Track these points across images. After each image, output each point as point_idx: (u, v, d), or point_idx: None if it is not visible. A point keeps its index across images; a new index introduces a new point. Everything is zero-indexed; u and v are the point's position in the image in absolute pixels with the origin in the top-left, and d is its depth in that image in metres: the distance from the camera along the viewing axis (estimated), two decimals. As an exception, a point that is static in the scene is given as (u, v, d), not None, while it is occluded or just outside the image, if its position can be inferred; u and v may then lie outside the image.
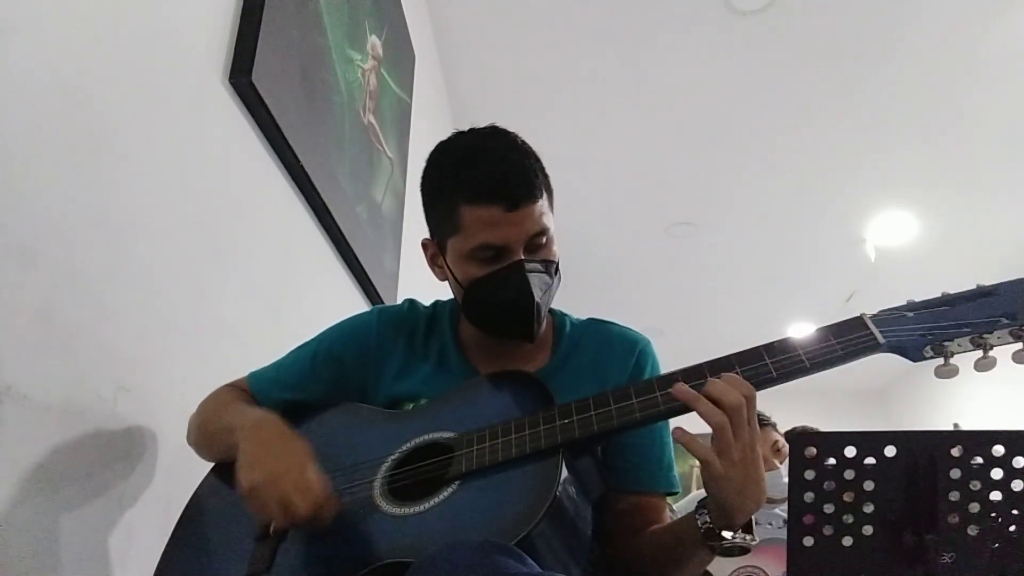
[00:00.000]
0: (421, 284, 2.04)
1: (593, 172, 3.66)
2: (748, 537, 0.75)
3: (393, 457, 0.83)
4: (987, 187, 3.76)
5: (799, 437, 0.95)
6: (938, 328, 0.73)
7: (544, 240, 0.91)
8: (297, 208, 1.52)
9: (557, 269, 0.93)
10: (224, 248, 1.22)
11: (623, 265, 4.62)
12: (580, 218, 3.94)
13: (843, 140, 3.44)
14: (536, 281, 0.88)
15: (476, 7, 2.75)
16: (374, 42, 1.98)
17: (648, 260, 4.57)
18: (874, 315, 0.76)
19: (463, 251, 0.90)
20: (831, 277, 4.58)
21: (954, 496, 0.90)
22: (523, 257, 0.88)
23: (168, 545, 0.87)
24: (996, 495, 0.89)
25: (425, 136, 2.45)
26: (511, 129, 0.95)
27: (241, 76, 1.22)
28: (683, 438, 0.74)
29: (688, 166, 3.66)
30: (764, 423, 2.22)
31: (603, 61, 2.98)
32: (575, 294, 3.93)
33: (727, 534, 0.75)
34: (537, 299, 0.88)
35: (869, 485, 0.91)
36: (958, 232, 4.11)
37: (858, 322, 0.76)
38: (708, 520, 0.76)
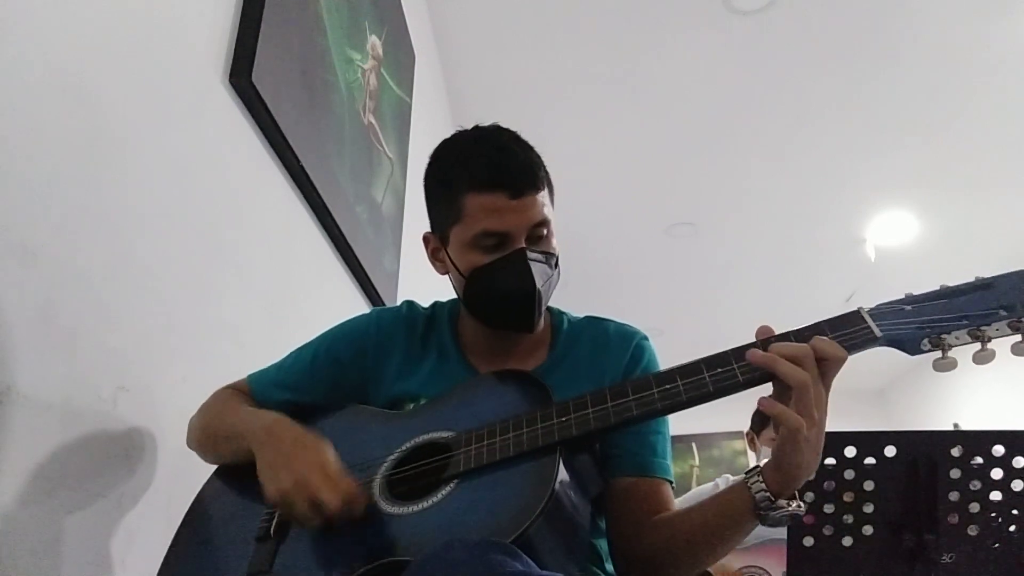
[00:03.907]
0: (421, 284, 2.05)
1: (593, 172, 3.66)
2: (800, 504, 0.75)
3: (392, 457, 0.84)
4: (987, 187, 3.76)
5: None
6: (936, 321, 0.73)
7: (545, 232, 0.92)
8: (297, 208, 1.52)
9: (557, 263, 0.95)
10: (224, 248, 1.22)
11: (623, 265, 4.62)
12: (580, 218, 3.93)
13: (843, 140, 3.44)
14: (538, 270, 0.89)
15: (476, 7, 2.75)
16: (374, 42, 1.98)
17: (648, 260, 4.57)
18: (871, 309, 0.75)
19: (466, 239, 0.91)
20: (831, 277, 4.58)
21: (954, 496, 0.90)
22: (525, 246, 0.89)
23: (171, 546, 0.87)
24: (996, 495, 0.90)
25: (425, 136, 2.45)
26: (511, 129, 0.96)
27: (241, 76, 1.22)
28: (773, 408, 0.71)
29: (688, 166, 3.66)
30: None
31: (603, 61, 2.98)
32: (575, 294, 3.92)
33: (782, 502, 0.73)
34: (538, 286, 0.89)
35: (869, 485, 0.92)
36: (958, 232, 4.11)
37: (855, 316, 0.75)
38: (764, 488, 0.74)
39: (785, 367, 0.70)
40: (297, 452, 0.80)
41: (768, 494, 0.74)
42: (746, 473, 0.77)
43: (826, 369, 0.71)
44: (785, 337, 0.74)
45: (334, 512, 0.74)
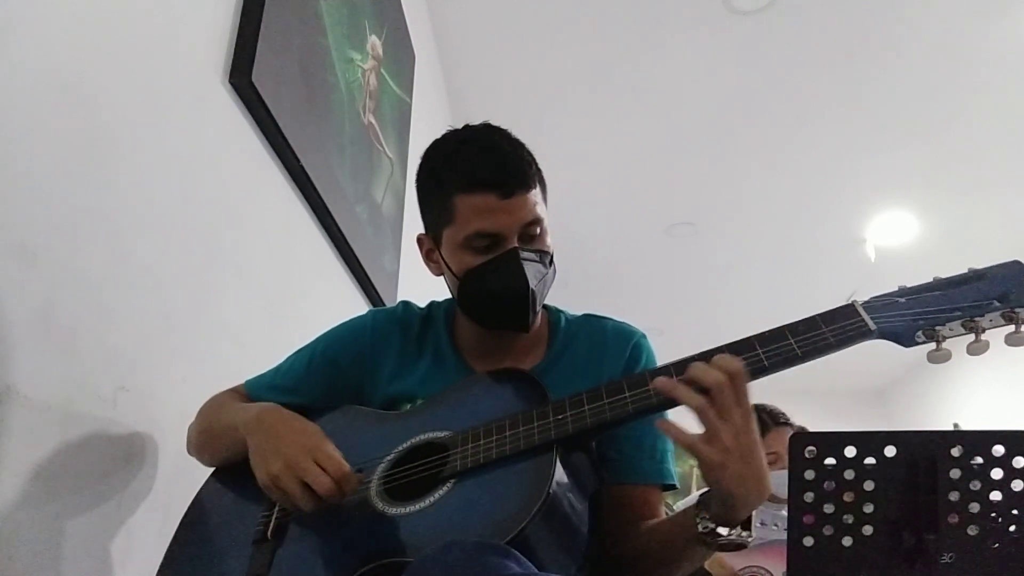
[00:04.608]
0: (421, 284, 2.04)
1: (593, 172, 3.66)
2: (745, 533, 0.74)
3: (389, 458, 0.84)
4: (987, 187, 3.76)
5: (799, 437, 0.95)
6: (930, 313, 0.73)
7: (538, 230, 0.91)
8: (297, 208, 1.52)
9: (552, 261, 0.94)
10: (224, 248, 1.22)
11: (623, 265, 4.61)
12: (580, 218, 3.93)
13: (843, 140, 3.44)
14: (531, 269, 0.89)
15: (476, 7, 2.75)
16: (374, 42, 1.98)
17: (648, 260, 4.56)
18: (866, 302, 0.76)
19: (458, 240, 0.90)
20: (831, 277, 4.58)
21: (954, 496, 0.90)
22: (517, 245, 0.89)
23: (169, 549, 0.87)
24: (996, 495, 0.89)
25: (425, 136, 2.44)
26: (511, 129, 0.96)
27: (241, 76, 1.22)
28: (667, 428, 0.72)
29: (688, 166, 3.66)
30: (783, 423, 2.18)
31: (603, 61, 2.98)
32: (575, 294, 3.93)
33: (723, 531, 0.73)
34: (532, 286, 0.89)
35: (869, 485, 0.91)
36: (958, 232, 4.11)
37: (849, 309, 0.75)
38: (706, 515, 0.74)
39: (681, 392, 0.69)
40: (286, 435, 0.81)
41: (709, 524, 0.73)
42: (699, 498, 0.77)
43: (736, 385, 0.69)
44: (745, 345, 0.73)
45: (325, 492, 0.75)
